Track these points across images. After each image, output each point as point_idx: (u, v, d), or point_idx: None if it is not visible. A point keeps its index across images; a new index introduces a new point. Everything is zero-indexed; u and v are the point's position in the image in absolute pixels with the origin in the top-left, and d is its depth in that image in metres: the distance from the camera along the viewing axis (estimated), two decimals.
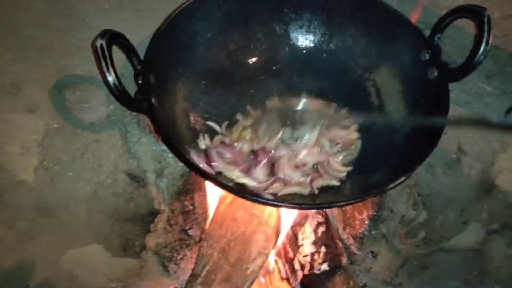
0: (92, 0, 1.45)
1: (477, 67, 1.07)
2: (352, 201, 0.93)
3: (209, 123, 1.21)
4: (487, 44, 1.05)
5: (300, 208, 0.94)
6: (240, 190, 0.93)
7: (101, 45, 0.93)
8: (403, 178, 0.96)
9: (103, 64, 0.92)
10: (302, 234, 1.40)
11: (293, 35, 1.40)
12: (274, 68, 1.40)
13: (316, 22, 1.37)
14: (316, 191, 1.09)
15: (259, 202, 0.92)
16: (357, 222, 1.37)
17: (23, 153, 1.14)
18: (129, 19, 1.44)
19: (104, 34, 0.96)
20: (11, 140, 1.15)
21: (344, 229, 1.41)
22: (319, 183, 1.14)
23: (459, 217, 1.32)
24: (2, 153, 1.14)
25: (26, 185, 1.13)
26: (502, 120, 0.79)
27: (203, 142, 1.14)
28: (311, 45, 1.41)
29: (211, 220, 1.35)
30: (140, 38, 1.42)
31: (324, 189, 1.14)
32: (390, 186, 0.95)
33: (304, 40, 1.40)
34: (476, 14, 1.07)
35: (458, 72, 1.11)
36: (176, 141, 1.04)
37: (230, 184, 1.04)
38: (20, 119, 1.17)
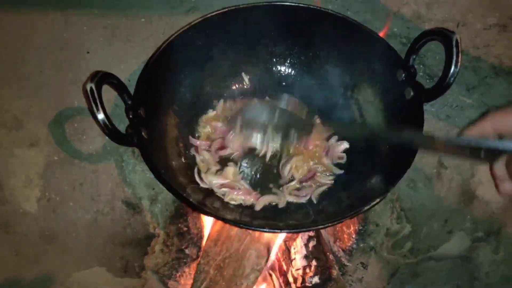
0: (87, 34, 1.54)
1: (448, 89, 1.13)
2: (329, 224, 0.99)
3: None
4: (456, 66, 1.10)
5: (280, 232, 1.00)
6: (224, 218, 0.99)
7: (91, 88, 1.00)
8: (377, 200, 1.01)
9: (93, 106, 1.00)
10: (294, 248, 1.46)
11: (276, 61, 1.48)
12: (257, 92, 1.47)
13: (297, 48, 1.43)
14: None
15: (240, 227, 0.99)
16: (345, 235, 1.43)
17: (26, 185, 1.22)
18: (121, 49, 1.52)
19: (93, 76, 1.03)
20: (15, 173, 1.23)
21: (334, 242, 1.47)
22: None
23: (443, 227, 1.37)
24: (7, 186, 1.23)
25: (30, 215, 1.21)
26: (449, 138, 0.81)
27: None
28: (296, 69, 1.47)
29: (207, 238, 1.42)
30: (133, 68, 1.50)
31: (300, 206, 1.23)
32: (365, 208, 1.01)
33: (288, 64, 1.47)
34: (445, 37, 1.12)
35: (431, 93, 1.16)
36: (165, 170, 1.12)
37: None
38: (22, 153, 1.26)
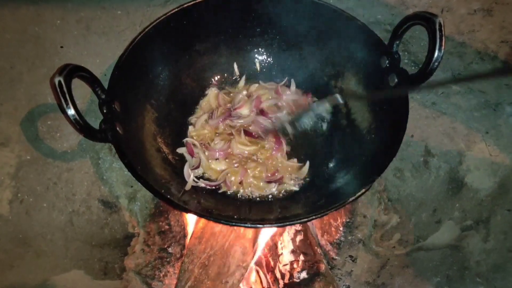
0: (60, 27, 1.48)
1: (432, 74, 1.09)
2: (313, 216, 0.95)
3: (178, 150, 1.24)
4: (440, 50, 1.06)
5: (263, 227, 0.95)
6: (202, 213, 0.95)
7: (59, 82, 0.95)
8: (363, 190, 0.98)
9: (62, 100, 0.94)
10: (281, 244, 1.43)
11: (256, 50, 1.44)
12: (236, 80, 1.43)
13: (278, 37, 1.39)
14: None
15: (221, 223, 0.94)
16: (333, 229, 1.39)
17: None
18: (96, 43, 1.46)
19: (62, 70, 0.98)
20: None
21: (322, 235, 1.43)
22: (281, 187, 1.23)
23: (432, 217, 1.34)
24: None
25: (2, 217, 1.15)
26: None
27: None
28: (276, 59, 1.43)
29: (191, 236, 1.38)
30: (109, 62, 1.45)
31: (285, 198, 1.20)
32: (351, 199, 0.98)
33: (268, 54, 1.43)
34: (428, 21, 1.08)
35: (415, 78, 1.13)
36: (142, 167, 1.07)
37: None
38: None
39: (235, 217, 1.02)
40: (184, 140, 1.28)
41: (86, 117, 1.31)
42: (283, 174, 1.24)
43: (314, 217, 0.96)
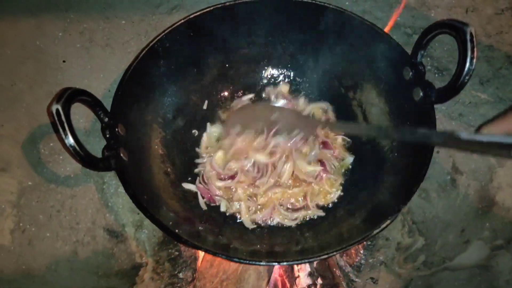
0: (62, 40, 1.41)
1: (463, 88, 0.99)
2: (334, 252, 0.88)
3: (184, 185, 1.18)
4: (471, 63, 0.96)
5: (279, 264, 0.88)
6: (215, 251, 0.88)
7: (57, 110, 0.88)
8: (388, 222, 0.90)
9: (60, 130, 0.87)
10: (297, 266, 1.35)
11: (267, 62, 1.36)
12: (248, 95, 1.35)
13: (292, 47, 1.30)
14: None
15: (231, 260, 0.87)
16: (352, 251, 1.31)
17: None
18: (100, 56, 1.39)
19: (60, 96, 0.90)
20: None
21: (341, 256, 1.35)
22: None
23: (459, 238, 1.25)
24: None
25: (4, 248, 1.10)
26: (472, 136, 0.70)
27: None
28: (290, 70, 1.35)
29: (203, 259, 1.31)
30: (113, 76, 1.37)
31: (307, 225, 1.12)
32: (375, 231, 0.89)
33: (281, 65, 1.35)
34: (458, 31, 0.98)
35: (443, 93, 1.03)
36: (149, 196, 1.00)
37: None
38: None
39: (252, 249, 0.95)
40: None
41: (89, 137, 1.26)
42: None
43: (335, 252, 0.88)
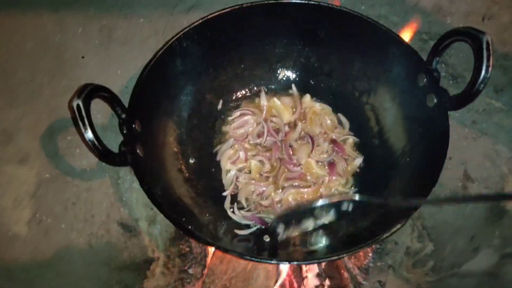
0: (81, 36, 1.43)
1: (478, 96, 1.00)
2: (344, 254, 0.89)
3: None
4: (487, 72, 0.97)
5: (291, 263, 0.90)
6: (228, 249, 0.89)
7: (78, 105, 0.90)
8: (398, 226, 0.91)
9: (81, 125, 0.90)
10: (306, 266, 1.36)
11: (283, 63, 1.38)
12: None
13: (307, 49, 1.31)
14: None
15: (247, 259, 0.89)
16: (361, 253, 1.32)
17: (16, 206, 1.13)
18: (118, 52, 1.41)
19: (81, 92, 0.93)
20: (3, 193, 1.14)
21: (349, 258, 1.36)
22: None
23: (469, 244, 1.25)
24: None
25: (21, 238, 1.12)
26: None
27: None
28: (304, 72, 1.36)
29: (213, 255, 1.33)
30: (131, 73, 1.40)
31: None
32: (385, 235, 0.90)
33: (296, 67, 1.36)
34: (474, 39, 0.99)
35: (457, 100, 1.04)
36: (163, 191, 1.02)
37: None
38: (11, 171, 1.17)
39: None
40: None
41: (107, 133, 1.29)
42: None
43: (344, 254, 0.89)
